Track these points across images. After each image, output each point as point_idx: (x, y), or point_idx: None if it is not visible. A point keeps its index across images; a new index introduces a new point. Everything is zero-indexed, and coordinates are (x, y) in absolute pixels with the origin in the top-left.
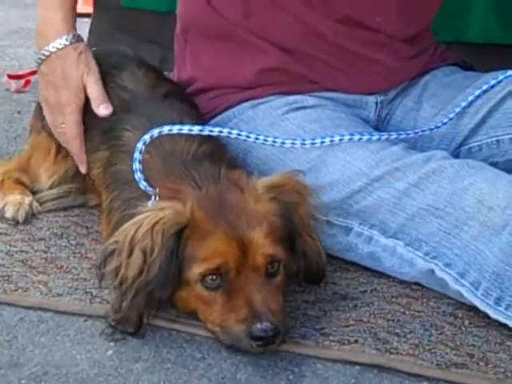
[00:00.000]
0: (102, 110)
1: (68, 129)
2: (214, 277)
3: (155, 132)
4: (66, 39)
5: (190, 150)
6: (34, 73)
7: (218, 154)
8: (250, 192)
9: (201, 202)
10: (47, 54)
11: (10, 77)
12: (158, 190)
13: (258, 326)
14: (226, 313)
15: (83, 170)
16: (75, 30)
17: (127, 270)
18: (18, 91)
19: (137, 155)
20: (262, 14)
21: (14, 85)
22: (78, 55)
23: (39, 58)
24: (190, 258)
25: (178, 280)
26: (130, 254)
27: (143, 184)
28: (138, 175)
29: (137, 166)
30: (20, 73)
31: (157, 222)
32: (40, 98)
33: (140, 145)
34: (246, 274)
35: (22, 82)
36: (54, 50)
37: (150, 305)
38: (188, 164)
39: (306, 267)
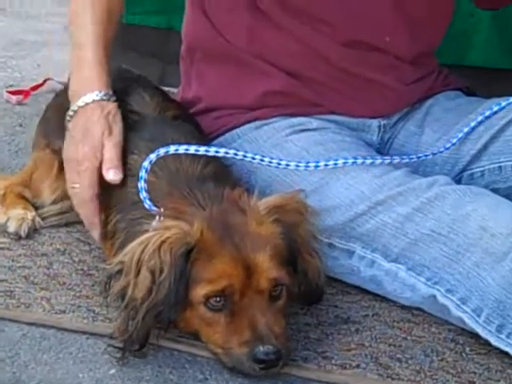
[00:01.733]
0: (112, 175)
1: (81, 189)
2: (218, 299)
3: (161, 151)
4: (97, 95)
5: (195, 170)
6: (33, 88)
7: (223, 174)
8: (253, 214)
9: (208, 223)
10: (75, 108)
11: (10, 93)
12: (162, 209)
13: (261, 348)
14: (228, 335)
15: (95, 235)
16: (109, 88)
17: (135, 291)
18: (20, 103)
19: (142, 173)
20: (267, 38)
21: (14, 98)
22: (105, 114)
23: (69, 115)
24: (194, 278)
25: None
26: (138, 273)
27: (148, 203)
28: (144, 194)
29: (142, 184)
30: (20, 89)
31: (164, 242)
32: (63, 156)
33: (146, 163)
34: (250, 297)
35: (22, 95)
36: (83, 104)
37: (159, 325)
38: (192, 184)
39: (305, 286)
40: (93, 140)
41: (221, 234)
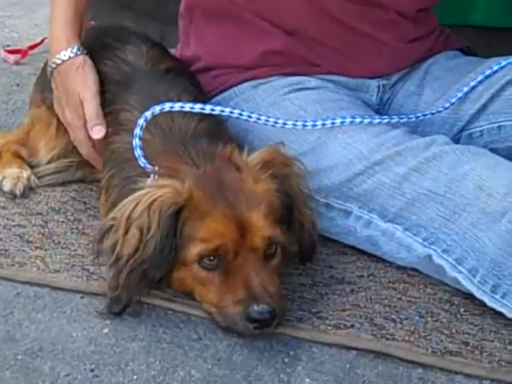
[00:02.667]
0: (95, 132)
1: (79, 144)
2: (212, 257)
3: (157, 109)
4: (64, 54)
5: (189, 127)
6: (31, 47)
7: (217, 131)
8: (249, 171)
9: (199, 181)
10: (50, 69)
11: (8, 52)
12: (156, 167)
13: (255, 308)
14: (222, 294)
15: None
16: (75, 42)
17: (123, 248)
18: (17, 63)
19: (137, 131)
20: None
21: (12, 58)
22: (76, 70)
23: (48, 74)
24: (187, 237)
25: (175, 260)
26: (127, 231)
27: (142, 161)
28: (138, 152)
29: (137, 142)
30: (18, 48)
31: (155, 200)
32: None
33: (141, 121)
34: (244, 256)
35: (20, 55)
36: (55, 65)
37: (143, 284)
38: (186, 142)
39: (301, 241)
40: (72, 100)
41: (213, 192)
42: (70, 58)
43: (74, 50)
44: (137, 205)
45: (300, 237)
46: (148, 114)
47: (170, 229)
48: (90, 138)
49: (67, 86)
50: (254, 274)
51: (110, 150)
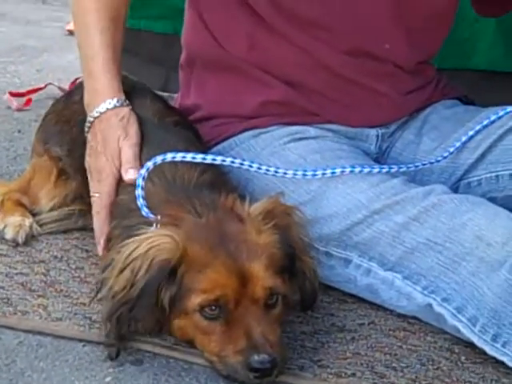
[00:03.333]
0: (131, 174)
1: (100, 196)
2: (213, 307)
3: (158, 159)
4: (110, 103)
5: (192, 178)
6: (35, 91)
7: (219, 182)
8: (251, 222)
9: (199, 232)
10: (91, 120)
11: (12, 94)
12: (159, 217)
13: (256, 357)
14: (223, 343)
15: (100, 246)
16: (121, 94)
17: (115, 284)
18: (20, 110)
19: (139, 181)
20: (266, 47)
21: (15, 103)
22: (120, 120)
23: (86, 126)
24: (188, 288)
25: (176, 309)
26: (122, 270)
27: (145, 211)
28: (141, 201)
29: (139, 192)
30: (22, 91)
31: (152, 248)
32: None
33: (143, 171)
34: (245, 306)
35: (24, 100)
36: (98, 114)
37: (125, 323)
38: (189, 192)
39: (302, 290)
40: (110, 147)
41: (214, 243)
42: (115, 107)
43: (121, 101)
44: (137, 247)
45: (301, 285)
46: (150, 163)
47: (154, 280)
48: (114, 191)
49: (107, 133)
50: (254, 324)
51: (113, 203)
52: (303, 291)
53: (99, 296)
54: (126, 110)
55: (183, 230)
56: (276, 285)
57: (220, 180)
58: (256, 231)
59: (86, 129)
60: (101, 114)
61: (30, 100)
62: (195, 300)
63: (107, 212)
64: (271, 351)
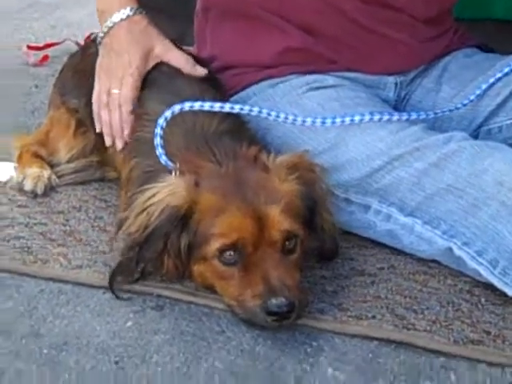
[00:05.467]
0: (199, 69)
1: (124, 91)
2: (232, 252)
3: (176, 108)
4: (131, 9)
5: (211, 126)
6: (52, 45)
7: (239, 131)
8: (276, 172)
9: (215, 181)
10: (111, 25)
11: (30, 48)
12: (178, 165)
13: (273, 301)
14: (242, 288)
15: (119, 143)
16: (133, 2)
17: (131, 225)
18: (35, 65)
19: (158, 130)
20: None
21: (32, 57)
22: (145, 26)
23: (102, 32)
24: (206, 234)
25: (194, 256)
26: (139, 213)
27: (163, 159)
28: (160, 150)
29: (158, 141)
30: (39, 44)
31: (167, 195)
32: (97, 67)
33: (161, 120)
34: (263, 250)
35: (41, 55)
36: (119, 19)
37: (134, 262)
38: (209, 140)
39: (322, 243)
40: (143, 49)
41: (229, 190)
42: (135, 13)
43: (133, 9)
44: (154, 194)
45: (321, 240)
46: (168, 113)
47: (163, 225)
48: (137, 86)
49: (136, 37)
50: (272, 268)
51: (134, 138)
52: (323, 245)
53: (120, 234)
54: (146, 19)
55: (201, 177)
56: (293, 228)
57: (239, 129)
58: (279, 179)
59: (103, 34)
60: (122, 19)
61: (46, 56)
62: (214, 245)
63: (130, 109)
64: (289, 295)
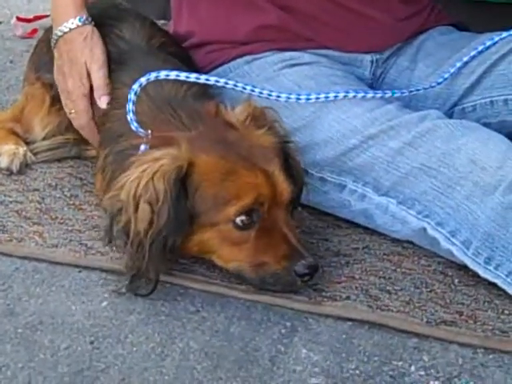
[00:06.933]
0: (103, 101)
1: (77, 115)
2: (247, 216)
3: (152, 75)
4: (72, 23)
5: (178, 93)
6: (42, 17)
7: (201, 93)
8: (245, 127)
9: (198, 143)
10: (56, 38)
11: (19, 19)
12: (149, 131)
13: (303, 262)
14: (260, 251)
15: (95, 142)
16: (84, 11)
17: (137, 224)
18: (24, 37)
19: (131, 96)
20: None
21: (21, 29)
22: (83, 40)
23: (52, 43)
24: (213, 200)
25: (192, 224)
26: (137, 208)
27: (135, 125)
28: (131, 116)
29: (130, 107)
30: (29, 17)
31: (156, 172)
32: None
33: (136, 86)
34: (275, 212)
35: (29, 28)
36: (61, 33)
37: (166, 254)
38: (174, 105)
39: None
40: (77, 68)
41: (221, 151)
42: (77, 26)
43: (83, 19)
44: (140, 181)
45: (297, 185)
46: (143, 79)
47: (178, 192)
48: (89, 108)
49: (73, 55)
50: (288, 229)
51: (105, 128)
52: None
53: (129, 242)
54: (89, 28)
55: (177, 146)
56: (293, 188)
57: (203, 91)
58: (254, 136)
59: (52, 45)
60: (64, 33)
61: (35, 30)
62: (228, 210)
63: (92, 125)
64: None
